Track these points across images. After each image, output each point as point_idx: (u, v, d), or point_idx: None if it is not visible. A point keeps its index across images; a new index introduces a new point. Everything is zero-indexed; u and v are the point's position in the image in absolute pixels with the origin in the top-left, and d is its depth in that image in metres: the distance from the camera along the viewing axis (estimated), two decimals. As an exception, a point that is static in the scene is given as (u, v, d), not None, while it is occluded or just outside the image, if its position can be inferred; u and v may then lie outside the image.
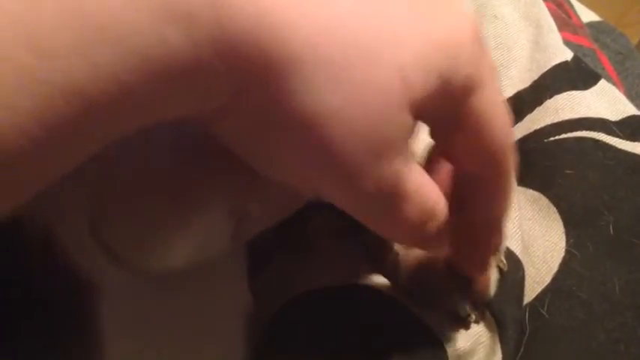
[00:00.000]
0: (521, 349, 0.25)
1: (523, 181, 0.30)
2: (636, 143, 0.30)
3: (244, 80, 0.13)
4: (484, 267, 0.23)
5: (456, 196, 0.21)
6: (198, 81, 0.13)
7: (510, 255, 0.26)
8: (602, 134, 0.30)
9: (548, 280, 0.26)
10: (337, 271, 0.25)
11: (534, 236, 0.28)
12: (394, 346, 0.24)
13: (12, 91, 0.11)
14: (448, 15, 0.16)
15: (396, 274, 0.24)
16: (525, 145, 0.31)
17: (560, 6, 0.40)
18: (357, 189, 0.16)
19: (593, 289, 0.26)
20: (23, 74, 0.11)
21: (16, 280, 0.19)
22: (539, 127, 0.31)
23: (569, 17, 0.40)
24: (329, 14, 0.14)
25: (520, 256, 0.26)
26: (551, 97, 0.32)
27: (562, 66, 0.33)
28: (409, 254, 0.24)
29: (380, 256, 0.25)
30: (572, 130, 0.30)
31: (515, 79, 0.33)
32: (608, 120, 0.31)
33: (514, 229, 0.27)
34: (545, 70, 0.33)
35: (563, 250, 0.27)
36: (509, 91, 0.33)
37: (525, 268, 0.26)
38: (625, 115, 0.32)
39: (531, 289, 0.26)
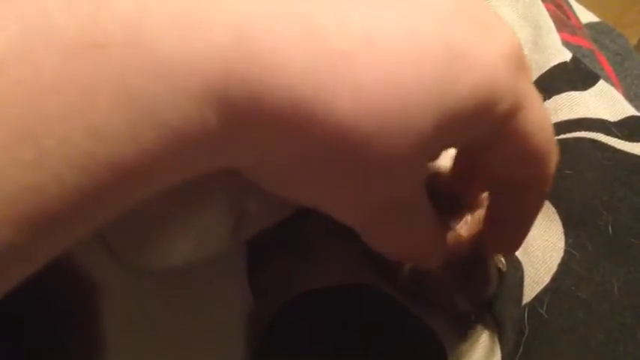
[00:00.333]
0: (520, 350, 0.25)
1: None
2: (635, 144, 0.30)
3: (277, 139, 0.14)
4: (512, 250, 0.24)
5: (490, 199, 0.21)
6: (229, 151, 0.15)
7: (509, 255, 0.26)
8: (601, 135, 0.30)
9: (547, 280, 0.26)
10: (337, 270, 0.25)
11: (533, 236, 0.28)
12: (394, 346, 0.24)
13: (57, 162, 0.12)
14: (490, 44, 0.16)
15: (396, 273, 0.24)
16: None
17: (558, 7, 0.40)
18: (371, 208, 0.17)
19: (592, 289, 0.26)
20: (75, 151, 0.12)
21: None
22: (538, 127, 0.31)
23: (568, 18, 0.40)
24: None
25: (519, 256, 0.26)
26: (550, 97, 0.32)
27: (561, 67, 0.33)
28: None
29: (379, 256, 0.25)
30: (571, 131, 0.30)
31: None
32: (607, 120, 0.31)
33: (513, 230, 0.27)
34: (544, 70, 0.33)
35: (562, 250, 0.27)
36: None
37: (524, 268, 0.26)
38: (624, 115, 0.32)
39: (530, 289, 0.26)
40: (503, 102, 0.16)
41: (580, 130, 0.30)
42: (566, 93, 0.32)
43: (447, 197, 0.23)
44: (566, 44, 0.35)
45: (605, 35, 0.45)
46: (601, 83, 0.33)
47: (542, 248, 0.27)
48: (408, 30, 0.14)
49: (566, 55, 0.34)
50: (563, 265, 0.27)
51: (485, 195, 0.25)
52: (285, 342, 0.24)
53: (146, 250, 0.20)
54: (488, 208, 0.23)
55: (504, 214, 0.21)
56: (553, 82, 0.32)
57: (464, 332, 0.24)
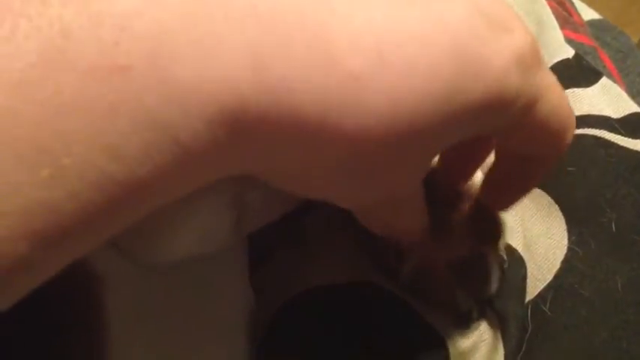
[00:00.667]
0: (524, 347, 0.25)
1: (525, 179, 0.30)
2: (638, 140, 0.30)
3: (284, 152, 0.15)
4: (508, 207, 0.24)
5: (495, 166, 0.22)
6: (238, 163, 0.15)
7: (512, 252, 0.26)
8: (604, 132, 0.30)
9: (550, 277, 0.26)
10: (338, 268, 0.25)
11: (536, 234, 0.28)
12: (396, 343, 0.24)
13: (73, 179, 0.12)
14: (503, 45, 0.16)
15: (398, 270, 0.24)
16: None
17: (561, 4, 0.40)
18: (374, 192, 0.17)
19: (595, 286, 0.26)
20: (91, 169, 0.12)
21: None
22: (541, 124, 0.31)
23: (570, 15, 0.40)
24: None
25: (522, 254, 0.26)
26: (552, 94, 0.32)
27: (564, 63, 0.33)
28: (411, 250, 0.24)
29: (381, 253, 0.25)
30: (574, 128, 0.30)
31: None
32: (610, 117, 0.31)
33: (516, 227, 0.27)
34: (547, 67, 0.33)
35: (565, 247, 0.27)
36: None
37: (527, 266, 0.26)
38: (627, 112, 0.31)
39: (533, 287, 0.26)
40: (517, 102, 0.16)
41: (583, 127, 0.30)
42: (569, 90, 0.32)
43: (434, 186, 0.23)
44: (569, 41, 0.35)
45: (607, 33, 0.45)
46: (604, 80, 0.33)
47: (546, 245, 0.27)
48: (421, 42, 0.14)
49: (569, 52, 0.33)
50: (566, 262, 0.27)
51: (472, 184, 0.25)
52: (286, 339, 0.24)
53: (148, 242, 0.20)
54: (492, 171, 0.23)
55: (509, 177, 0.22)
56: (556, 79, 0.32)
57: (466, 330, 0.24)
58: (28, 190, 0.12)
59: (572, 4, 0.43)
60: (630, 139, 0.30)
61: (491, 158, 0.23)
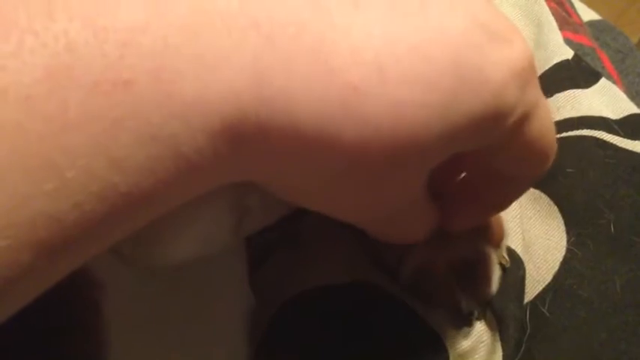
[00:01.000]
0: (522, 348, 0.25)
1: (524, 180, 0.30)
2: (637, 142, 0.30)
3: (284, 164, 0.15)
4: (475, 224, 0.24)
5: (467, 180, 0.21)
6: (239, 174, 0.15)
7: (511, 253, 0.26)
8: (603, 133, 0.30)
9: (549, 278, 0.26)
10: (337, 268, 0.25)
11: (535, 235, 0.28)
12: (395, 344, 0.24)
13: (78, 191, 0.12)
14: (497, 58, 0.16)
15: (398, 270, 0.24)
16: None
17: (560, 4, 0.40)
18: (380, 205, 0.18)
19: (594, 287, 0.26)
20: (95, 182, 0.12)
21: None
22: (540, 125, 0.31)
23: (570, 16, 0.40)
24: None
25: (521, 255, 0.26)
26: (552, 95, 0.32)
27: (563, 64, 0.33)
28: (412, 251, 0.24)
29: (381, 252, 0.25)
30: (573, 129, 0.30)
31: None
32: (609, 118, 0.31)
33: (515, 228, 0.27)
34: (546, 68, 0.33)
35: (564, 248, 0.27)
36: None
37: (526, 267, 0.26)
38: (626, 113, 0.31)
39: (532, 288, 0.26)
40: (511, 116, 0.16)
41: (582, 128, 0.30)
42: (568, 91, 0.32)
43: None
44: (568, 42, 0.35)
45: (607, 33, 0.45)
46: (603, 81, 0.33)
47: (544, 247, 0.27)
48: (421, 55, 0.14)
49: (568, 53, 0.33)
50: (565, 263, 0.27)
51: None
52: (285, 340, 0.24)
53: (149, 247, 0.20)
54: (461, 188, 0.22)
55: (483, 195, 0.22)
56: (555, 80, 0.32)
57: (466, 331, 0.24)
58: (33, 202, 0.12)
59: (572, 4, 0.43)
60: (629, 141, 0.30)
61: None
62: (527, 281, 0.26)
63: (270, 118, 0.14)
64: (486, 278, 0.24)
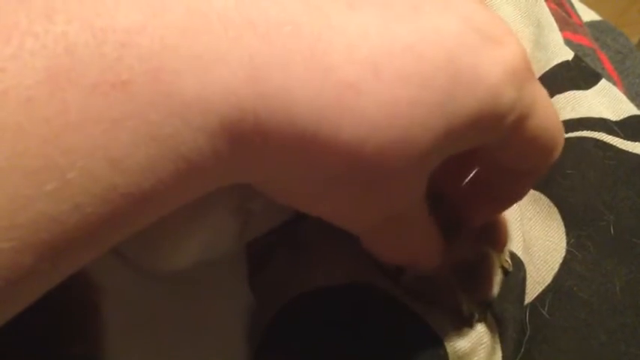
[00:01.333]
0: (522, 350, 0.25)
1: (524, 181, 0.30)
2: (637, 143, 0.30)
3: (282, 163, 0.15)
4: (488, 219, 0.24)
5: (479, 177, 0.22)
6: (238, 173, 0.15)
7: (512, 255, 0.26)
8: (603, 134, 0.30)
9: (548, 280, 0.26)
10: (338, 269, 0.25)
11: (535, 236, 0.28)
12: (395, 346, 0.24)
13: (78, 192, 0.12)
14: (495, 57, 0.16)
15: (399, 272, 0.24)
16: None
17: (560, 5, 0.40)
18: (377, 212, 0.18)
19: (593, 289, 0.26)
20: (96, 182, 0.12)
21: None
22: (540, 126, 0.31)
23: (570, 16, 0.40)
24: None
25: (521, 256, 0.26)
26: (552, 96, 0.32)
27: (563, 65, 0.33)
28: None
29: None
30: (573, 130, 0.30)
31: (516, 78, 0.33)
32: (609, 120, 0.31)
33: (515, 230, 0.27)
34: (546, 69, 0.33)
35: (564, 250, 0.27)
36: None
37: (526, 268, 0.26)
38: (626, 114, 0.31)
39: (532, 289, 0.26)
40: (508, 116, 0.16)
41: (582, 130, 0.30)
42: (569, 92, 0.32)
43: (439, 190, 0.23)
44: (568, 43, 0.35)
45: (607, 34, 0.45)
46: (603, 82, 0.33)
47: (544, 248, 0.27)
48: (415, 54, 0.15)
49: (568, 54, 0.33)
50: (565, 265, 0.27)
51: None
52: (285, 342, 0.24)
53: (153, 250, 0.20)
54: (473, 183, 0.23)
55: (492, 190, 0.22)
56: (555, 81, 0.32)
57: (466, 333, 0.24)
58: (35, 203, 0.12)
59: (572, 5, 0.43)
60: (629, 142, 0.30)
61: None
62: (527, 283, 0.26)
63: (269, 117, 0.14)
64: (488, 281, 0.24)
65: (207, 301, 0.23)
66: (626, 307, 0.25)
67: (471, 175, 0.23)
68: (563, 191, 0.28)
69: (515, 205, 0.27)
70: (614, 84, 0.34)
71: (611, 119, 0.31)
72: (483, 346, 0.24)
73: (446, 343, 0.24)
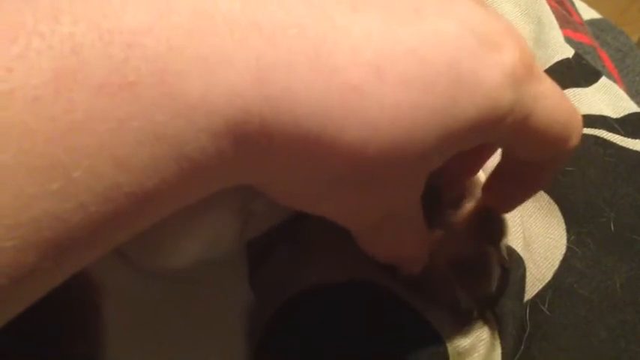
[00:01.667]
0: (522, 346, 0.25)
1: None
2: (637, 140, 0.30)
3: (285, 164, 0.15)
4: (511, 209, 0.24)
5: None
6: (242, 174, 0.15)
7: (511, 252, 0.26)
8: (604, 131, 0.30)
9: (549, 277, 0.26)
10: (337, 266, 0.25)
11: (535, 233, 0.28)
12: (394, 343, 0.24)
13: (83, 191, 0.12)
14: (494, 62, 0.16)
15: (398, 268, 0.24)
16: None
17: (561, 3, 0.40)
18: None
19: (594, 286, 0.26)
20: (100, 182, 0.12)
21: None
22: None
23: (570, 14, 0.40)
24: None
25: (521, 253, 0.26)
26: (552, 94, 0.32)
27: (563, 63, 0.33)
28: None
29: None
30: (573, 127, 0.30)
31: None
32: (609, 117, 0.31)
33: (515, 227, 0.27)
34: (547, 67, 0.33)
35: (564, 246, 0.27)
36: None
37: (526, 265, 0.26)
38: (626, 112, 0.31)
39: (532, 286, 0.26)
40: (507, 118, 0.16)
41: (582, 127, 0.30)
42: (569, 89, 0.32)
43: (434, 192, 0.23)
44: (569, 41, 0.35)
45: (607, 32, 0.45)
46: (603, 80, 0.33)
47: (544, 245, 0.27)
48: (417, 58, 0.15)
49: (569, 52, 0.33)
50: (565, 261, 0.27)
51: (475, 183, 0.25)
52: (285, 341, 0.24)
53: (155, 249, 0.20)
54: (495, 174, 0.23)
55: (513, 180, 0.22)
56: (555, 79, 0.32)
57: (465, 329, 0.24)
58: (39, 202, 0.12)
59: (572, 3, 0.43)
60: (629, 139, 0.30)
61: (492, 159, 0.23)
62: (527, 279, 0.26)
63: (274, 119, 0.14)
64: (486, 277, 0.24)
65: (207, 299, 0.23)
66: (626, 304, 0.25)
67: (496, 166, 0.23)
68: (563, 188, 0.28)
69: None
70: (615, 82, 0.34)
71: (612, 117, 0.31)
72: (483, 342, 0.24)
73: (446, 340, 0.24)
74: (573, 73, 0.32)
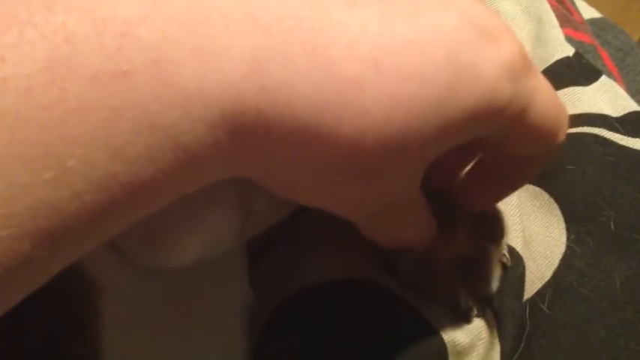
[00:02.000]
0: (522, 345, 0.25)
1: (524, 177, 0.30)
2: (637, 139, 0.30)
3: (283, 156, 0.15)
4: (492, 205, 0.24)
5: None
6: (239, 166, 0.15)
7: (511, 251, 0.26)
8: (604, 130, 0.30)
9: (548, 275, 0.26)
10: (337, 264, 0.25)
11: (535, 232, 0.28)
12: (393, 341, 0.24)
13: (77, 180, 0.12)
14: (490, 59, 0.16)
15: (398, 266, 0.24)
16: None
17: (561, 2, 0.40)
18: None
19: (593, 284, 0.26)
20: (95, 171, 0.12)
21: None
22: (540, 122, 0.31)
23: (570, 13, 0.40)
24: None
25: (521, 252, 0.26)
26: (552, 92, 0.32)
27: (564, 62, 0.33)
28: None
29: (381, 248, 0.25)
30: (573, 126, 0.30)
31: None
32: (609, 116, 0.31)
33: (515, 225, 0.27)
34: (547, 65, 0.33)
35: (564, 245, 0.27)
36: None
37: (526, 264, 0.26)
38: (626, 111, 0.31)
39: (532, 285, 0.26)
40: (506, 110, 0.17)
41: (582, 126, 0.30)
42: (569, 88, 0.32)
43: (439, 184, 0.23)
44: (569, 40, 0.35)
45: (607, 31, 0.45)
46: (604, 79, 0.33)
47: (544, 244, 0.27)
48: (414, 49, 0.15)
49: (569, 50, 0.33)
50: (565, 260, 0.27)
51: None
52: (284, 339, 0.24)
53: (155, 248, 0.20)
54: (477, 169, 0.23)
55: (497, 175, 0.22)
56: (556, 77, 0.32)
57: (465, 328, 0.24)
58: (34, 191, 0.12)
59: (573, 2, 0.43)
60: (629, 138, 0.30)
61: None
62: (526, 278, 0.26)
63: (271, 110, 0.14)
64: (487, 276, 0.24)
65: (206, 298, 0.23)
66: (626, 302, 0.25)
67: (475, 160, 0.23)
68: (563, 187, 0.28)
69: (514, 199, 0.27)
70: (615, 81, 0.34)
71: (612, 115, 0.31)
72: (482, 341, 0.24)
73: (445, 339, 0.24)
74: (573, 71, 0.32)
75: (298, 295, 0.25)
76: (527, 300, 0.26)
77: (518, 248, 0.26)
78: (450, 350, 0.24)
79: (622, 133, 0.30)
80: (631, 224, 0.27)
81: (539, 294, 0.26)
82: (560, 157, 0.29)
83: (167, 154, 0.13)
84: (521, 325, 0.25)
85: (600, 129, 0.30)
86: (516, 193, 0.27)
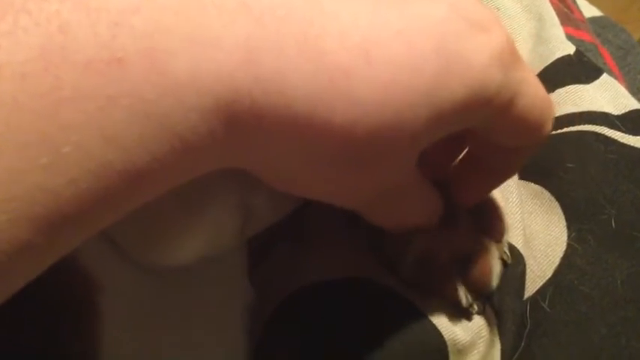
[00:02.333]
0: (522, 343, 0.25)
1: (525, 175, 0.30)
2: (638, 137, 0.30)
3: (277, 145, 0.15)
4: (478, 200, 0.24)
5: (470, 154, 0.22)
6: (234, 156, 0.16)
7: (512, 249, 0.26)
8: (605, 128, 0.30)
9: (549, 274, 0.26)
10: (338, 263, 0.25)
11: (536, 230, 0.28)
12: (395, 339, 0.24)
13: (73, 167, 0.12)
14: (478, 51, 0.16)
15: (398, 263, 0.24)
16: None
17: (562, 1, 0.40)
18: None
19: (594, 283, 0.26)
20: (90, 158, 0.13)
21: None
22: (541, 120, 0.31)
23: (571, 12, 0.40)
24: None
25: (522, 250, 0.26)
26: (553, 90, 0.32)
27: (564, 60, 0.33)
28: (413, 241, 0.24)
29: (381, 246, 0.25)
30: (574, 124, 0.30)
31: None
32: (610, 114, 0.31)
33: (516, 223, 0.27)
34: (548, 63, 0.33)
35: (565, 243, 0.27)
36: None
37: (527, 262, 0.26)
38: (627, 109, 0.31)
39: (533, 283, 0.26)
40: (495, 100, 0.17)
41: (583, 124, 0.30)
42: (570, 86, 0.32)
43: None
44: (570, 38, 0.35)
45: (608, 30, 0.45)
46: (604, 77, 0.33)
47: (545, 242, 0.27)
48: (404, 40, 0.15)
49: (570, 49, 0.33)
50: (566, 258, 0.27)
51: None
52: (285, 337, 0.24)
53: (154, 246, 0.20)
54: (463, 163, 0.23)
55: (482, 168, 0.22)
56: (557, 75, 0.32)
57: (465, 326, 0.24)
58: (30, 176, 0.12)
59: (574, 0, 0.42)
60: (630, 136, 0.30)
61: None
62: (527, 276, 0.26)
63: (265, 100, 0.14)
64: (487, 273, 0.24)
65: (207, 296, 0.23)
66: (627, 300, 0.25)
67: (463, 152, 0.23)
68: (564, 185, 0.28)
69: (515, 197, 0.27)
70: (616, 79, 0.34)
71: (613, 113, 0.31)
72: (483, 339, 0.24)
73: (445, 337, 0.24)
74: (574, 69, 0.32)
75: (298, 294, 0.25)
76: (528, 298, 0.26)
77: (519, 246, 0.26)
78: (450, 348, 0.24)
79: (623, 131, 0.30)
80: (632, 222, 0.27)
81: (540, 292, 0.26)
82: (560, 155, 0.29)
83: (163, 143, 0.13)
84: (522, 324, 0.25)
85: (601, 127, 0.30)
86: (517, 191, 0.27)
